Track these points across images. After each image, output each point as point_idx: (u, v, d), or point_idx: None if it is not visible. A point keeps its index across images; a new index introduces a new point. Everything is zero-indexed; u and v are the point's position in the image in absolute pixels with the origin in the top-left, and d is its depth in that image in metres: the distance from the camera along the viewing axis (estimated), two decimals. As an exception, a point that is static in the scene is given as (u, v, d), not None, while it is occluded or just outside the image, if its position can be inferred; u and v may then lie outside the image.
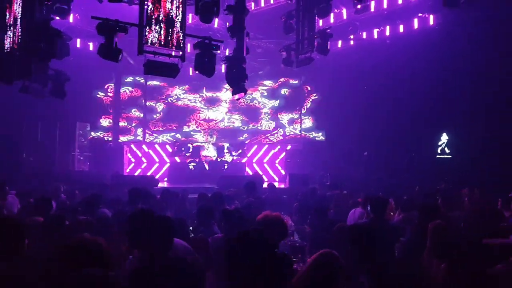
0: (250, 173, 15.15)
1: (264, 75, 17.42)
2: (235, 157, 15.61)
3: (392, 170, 13.88)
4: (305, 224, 6.25)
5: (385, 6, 13.24)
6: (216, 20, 13.33)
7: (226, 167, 15.04)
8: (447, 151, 15.43)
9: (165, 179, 15.49)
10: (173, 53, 7.55)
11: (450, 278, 3.24)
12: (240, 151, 15.84)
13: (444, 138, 15.46)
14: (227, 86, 9.16)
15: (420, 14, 13.15)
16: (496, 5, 10.92)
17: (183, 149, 15.64)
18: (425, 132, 14.70)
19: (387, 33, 13.92)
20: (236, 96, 9.05)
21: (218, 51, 9.20)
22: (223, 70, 11.60)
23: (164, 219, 3.23)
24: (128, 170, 15.96)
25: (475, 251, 3.27)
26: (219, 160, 15.48)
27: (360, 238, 3.51)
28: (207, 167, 15.14)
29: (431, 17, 12.93)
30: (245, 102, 17.51)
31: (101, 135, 16.44)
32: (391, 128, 14.46)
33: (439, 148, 15.55)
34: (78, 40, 13.83)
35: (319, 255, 2.72)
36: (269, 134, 17.64)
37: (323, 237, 4.76)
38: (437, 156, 15.38)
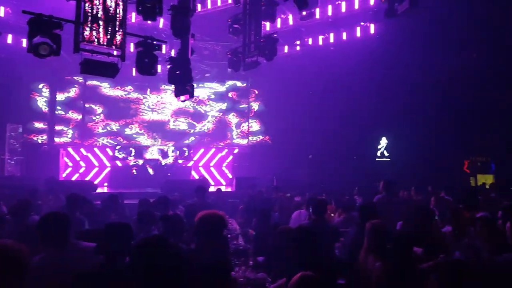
0: (196, 177, 14.91)
1: (212, 78, 17.24)
2: (180, 161, 15.27)
3: (335, 172, 14.32)
4: (250, 227, 6.21)
5: (329, 13, 13.62)
6: (162, 20, 13.04)
7: (169, 174, 14.64)
8: (386, 154, 16.26)
9: (105, 184, 14.79)
10: (115, 52, 7.20)
11: (384, 275, 3.34)
12: (186, 154, 15.53)
13: (384, 142, 16.28)
14: (172, 87, 8.93)
15: (362, 23, 13.69)
16: (432, 17, 11.61)
17: (124, 153, 15.03)
18: (366, 136, 15.37)
19: (331, 40, 14.34)
20: (182, 98, 8.82)
21: (164, 52, 8.99)
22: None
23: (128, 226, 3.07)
24: (64, 175, 15.07)
25: (406, 248, 3.40)
26: (163, 163, 15.06)
27: (302, 239, 3.54)
28: (151, 172, 14.68)
29: (372, 26, 13.51)
30: (192, 105, 17.23)
31: (35, 138, 15.37)
32: (335, 132, 14.95)
33: (379, 152, 16.34)
34: (10, 36, 12.85)
35: (300, 278, 2.69)
36: (216, 138, 17.43)
37: (266, 239, 4.75)
38: (377, 159, 16.15)
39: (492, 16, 11.25)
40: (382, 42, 13.33)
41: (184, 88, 8.34)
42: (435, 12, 11.35)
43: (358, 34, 13.87)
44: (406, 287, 3.21)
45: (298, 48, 14.88)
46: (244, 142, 17.41)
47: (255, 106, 17.56)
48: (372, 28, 13.58)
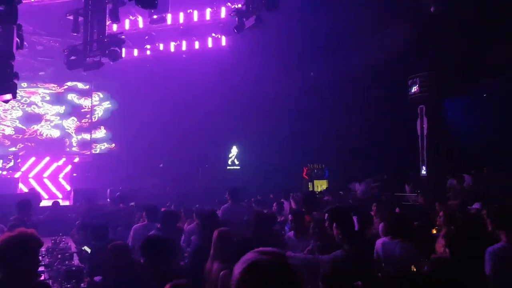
0: (25, 190, 12.87)
1: (47, 77, 15.38)
2: (4, 172, 12.98)
3: (187, 181, 14.21)
4: (86, 245, 5.57)
5: (181, 21, 13.53)
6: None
7: None
8: (237, 162, 16.90)
9: None
10: None
11: (228, 283, 3.28)
12: (12, 164, 13.26)
13: (234, 151, 16.90)
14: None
15: (213, 34, 13.99)
16: (276, 35, 12.55)
17: None
18: (217, 145, 15.72)
19: (184, 47, 14.27)
20: (8, 96, 7.46)
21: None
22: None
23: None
24: None
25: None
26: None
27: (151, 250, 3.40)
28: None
29: (223, 38, 13.92)
30: (20, 106, 14.97)
31: None
32: (187, 140, 14.87)
33: (230, 160, 16.88)
34: None
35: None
36: (52, 145, 15.46)
37: (102, 257, 4.33)
38: (228, 168, 16.66)
39: (330, 39, 12.78)
40: (233, 55, 13.87)
41: (5, 86, 7.07)
42: (279, 31, 12.33)
43: (210, 44, 14.13)
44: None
45: (148, 52, 14.37)
46: (86, 150, 15.86)
47: (100, 111, 16.20)
48: (223, 40, 13.99)
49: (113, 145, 16.14)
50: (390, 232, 4.13)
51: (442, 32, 11.03)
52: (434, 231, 5.08)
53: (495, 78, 12.68)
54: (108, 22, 9.88)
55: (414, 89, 12.67)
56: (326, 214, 3.66)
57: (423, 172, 12.58)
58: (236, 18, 9.30)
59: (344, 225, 3.55)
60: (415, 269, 3.69)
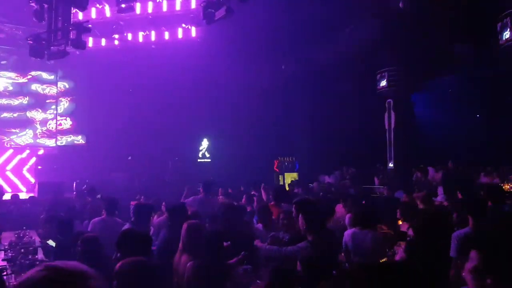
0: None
1: (9, 66, 14.73)
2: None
3: (157, 174, 14.03)
4: (51, 239, 5.44)
5: (150, 10, 13.23)
6: None
7: None
8: (207, 155, 16.83)
9: None
10: None
11: (193, 274, 3.33)
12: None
13: (205, 143, 16.81)
14: None
15: (184, 25, 13.77)
16: (247, 27, 12.46)
17: None
18: (187, 137, 15.58)
19: (153, 38, 13.99)
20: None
21: None
22: None
23: None
24: None
25: (214, 245, 3.46)
26: None
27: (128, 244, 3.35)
28: None
29: (194, 29, 13.72)
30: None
31: None
32: (156, 132, 14.65)
33: (200, 153, 16.80)
34: None
35: None
36: (15, 136, 14.87)
37: (69, 251, 4.24)
38: (199, 160, 16.57)
39: (301, 32, 12.81)
40: (203, 46, 13.70)
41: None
42: (250, 23, 12.25)
43: (180, 35, 13.90)
44: (213, 282, 3.24)
45: (116, 42, 13.98)
46: (51, 142, 15.35)
47: (66, 101, 15.69)
48: (193, 31, 13.79)
49: (79, 137, 15.70)
50: (359, 223, 4.23)
51: (410, 28, 11.27)
52: (400, 223, 5.24)
53: (459, 74, 13.16)
54: (73, 10, 9.56)
55: (383, 83, 12.91)
56: (293, 206, 3.72)
57: (390, 165, 12.90)
58: (206, 9, 9.17)
59: (310, 216, 3.61)
60: (384, 259, 3.80)
